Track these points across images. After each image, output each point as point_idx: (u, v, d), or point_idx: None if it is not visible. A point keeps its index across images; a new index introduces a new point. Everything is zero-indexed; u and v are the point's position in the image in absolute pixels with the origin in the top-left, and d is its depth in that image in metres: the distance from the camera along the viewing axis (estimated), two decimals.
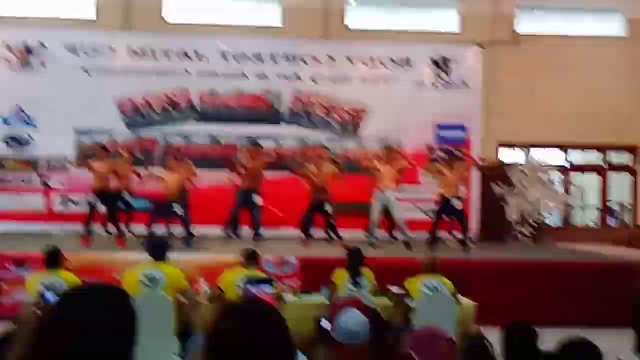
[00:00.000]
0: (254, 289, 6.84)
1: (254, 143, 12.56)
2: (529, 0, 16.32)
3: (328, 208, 12.19)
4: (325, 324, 5.05)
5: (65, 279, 6.78)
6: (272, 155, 12.89)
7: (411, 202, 14.26)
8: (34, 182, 14.42)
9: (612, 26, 16.74)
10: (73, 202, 14.18)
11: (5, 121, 14.39)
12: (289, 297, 7.95)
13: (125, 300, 1.73)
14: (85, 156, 12.51)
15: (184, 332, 6.64)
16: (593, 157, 16.91)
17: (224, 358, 1.77)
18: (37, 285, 6.73)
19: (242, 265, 7.49)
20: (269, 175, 12.79)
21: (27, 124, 14.41)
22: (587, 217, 17.39)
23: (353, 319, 2.96)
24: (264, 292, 6.80)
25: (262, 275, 7.39)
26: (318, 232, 12.70)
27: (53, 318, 1.64)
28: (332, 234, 12.47)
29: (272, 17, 15.84)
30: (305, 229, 12.41)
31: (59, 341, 1.59)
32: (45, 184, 14.29)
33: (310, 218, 12.42)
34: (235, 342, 1.77)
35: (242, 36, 15.06)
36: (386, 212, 12.50)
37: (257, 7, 16.07)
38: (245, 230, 12.67)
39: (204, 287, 7.83)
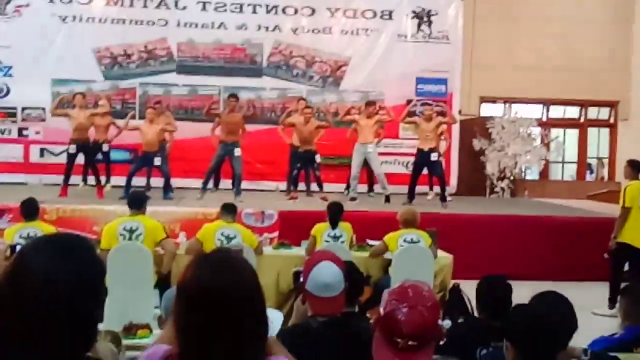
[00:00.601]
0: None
1: (231, 95, 12.42)
2: None
3: (317, 159, 12.18)
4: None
5: (43, 229, 6.76)
6: (250, 108, 12.76)
7: (391, 155, 14.31)
8: (11, 132, 14.27)
9: None
10: (52, 153, 14.07)
11: None
12: (269, 249, 8.00)
13: (90, 252, 1.68)
14: (63, 105, 12.32)
15: (163, 284, 6.66)
16: (573, 113, 16.97)
17: (193, 307, 1.81)
18: (15, 236, 6.72)
19: (219, 217, 7.51)
20: (249, 128, 12.71)
21: (3, 73, 14.19)
22: (566, 172, 17.53)
23: (326, 271, 2.97)
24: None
25: (239, 228, 7.42)
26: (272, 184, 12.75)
27: (13, 268, 1.61)
28: (315, 186, 12.45)
29: None
30: (294, 182, 12.41)
31: (14, 294, 1.56)
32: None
33: (300, 171, 12.42)
34: (204, 291, 1.81)
35: None
36: (366, 166, 12.52)
37: None
38: (226, 183, 12.65)
39: (183, 239, 7.84)
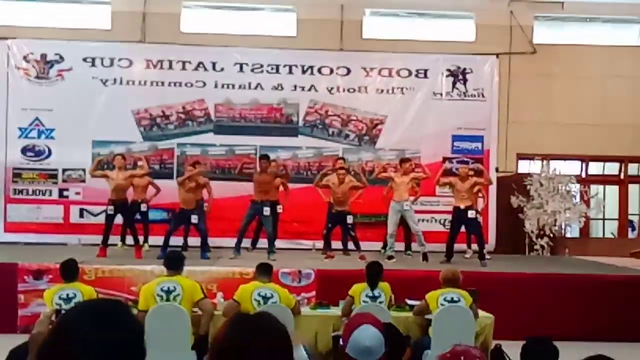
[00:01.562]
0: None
1: (263, 156, 12.56)
2: (545, 10, 16.22)
3: (349, 220, 12.13)
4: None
5: (82, 291, 6.79)
6: (281, 169, 12.87)
7: (428, 213, 14.22)
8: (52, 193, 14.50)
9: (628, 35, 16.62)
10: (91, 213, 14.23)
11: (24, 133, 14.47)
12: (306, 309, 7.93)
13: (128, 316, 1.72)
14: (102, 167, 12.56)
15: (201, 345, 6.61)
16: (612, 169, 16.75)
17: None
18: (54, 297, 6.75)
19: (255, 278, 7.48)
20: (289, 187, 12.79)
21: (45, 135, 14.49)
22: (607, 228, 17.22)
23: (367, 334, 2.91)
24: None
25: (276, 288, 7.38)
26: (336, 244, 12.68)
27: (55, 333, 1.65)
28: (353, 246, 12.38)
29: (288, 27, 15.85)
30: (327, 242, 12.37)
31: (59, 357, 1.59)
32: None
33: (331, 230, 12.38)
34: (233, 350, 1.85)
35: (258, 46, 15.07)
36: (403, 224, 12.45)
37: (273, 17, 16.08)
38: (262, 242, 12.64)
39: (220, 299, 7.81)
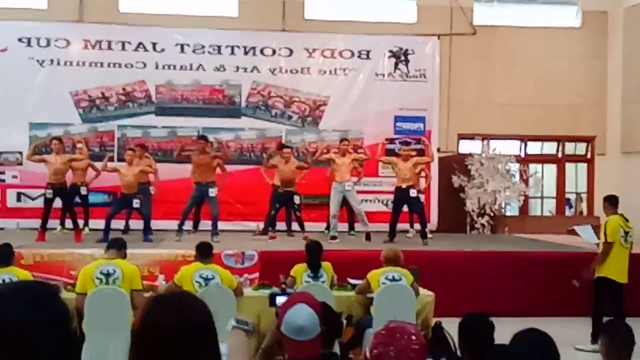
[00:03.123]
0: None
1: (200, 137, 12.49)
2: None
3: (296, 199, 12.12)
4: (279, 300, 5.05)
5: (18, 275, 6.65)
6: (223, 149, 12.77)
7: (371, 193, 14.32)
8: None
9: (567, 17, 16.92)
10: (29, 197, 13.93)
11: None
12: (249, 290, 7.92)
13: (53, 297, 1.68)
14: (40, 150, 12.31)
15: None
16: (551, 148, 17.09)
17: (139, 346, 1.84)
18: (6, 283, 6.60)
19: (196, 259, 7.44)
20: (227, 168, 12.69)
21: None
22: (545, 207, 17.59)
23: (300, 314, 2.91)
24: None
25: (217, 269, 7.35)
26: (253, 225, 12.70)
27: None
28: (296, 226, 12.39)
29: (229, 7, 15.67)
30: (273, 222, 12.34)
31: None
32: None
33: (278, 211, 12.36)
34: (148, 330, 1.83)
35: (199, 27, 14.89)
36: (345, 204, 12.52)
37: None
38: (207, 224, 12.55)
39: (162, 282, 7.75)
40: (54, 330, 1.62)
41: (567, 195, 17.41)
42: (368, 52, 15.04)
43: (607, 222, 8.90)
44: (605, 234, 8.80)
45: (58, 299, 1.69)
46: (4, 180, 14.16)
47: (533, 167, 16.79)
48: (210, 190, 11.75)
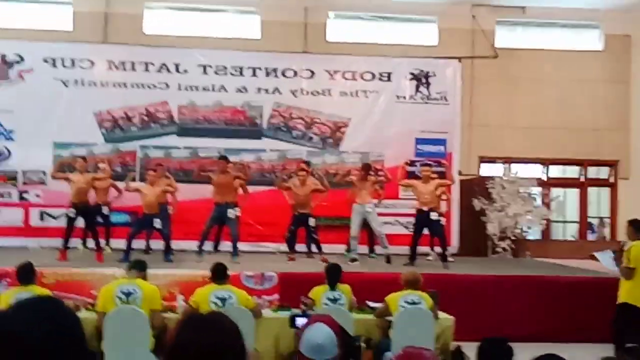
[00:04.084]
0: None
1: (221, 157, 12.55)
2: (507, 15, 16.42)
3: (312, 222, 12.13)
4: (299, 322, 5.04)
5: (38, 293, 6.69)
6: (243, 169, 12.83)
7: (392, 216, 14.27)
8: (12, 196, 14.28)
9: (589, 41, 16.89)
10: (51, 216, 14.04)
11: None
12: (268, 312, 7.92)
13: (58, 308, 1.74)
14: (63, 169, 12.45)
15: (161, 348, 6.57)
16: (573, 172, 16.98)
17: None
18: (10, 301, 6.64)
19: (212, 280, 7.45)
20: (251, 189, 12.76)
21: (5, 137, 14.27)
22: (567, 231, 17.45)
23: (319, 332, 2.91)
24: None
25: (233, 289, 7.35)
26: (300, 247, 12.66)
27: None
28: (314, 248, 12.38)
29: (252, 29, 15.83)
30: (290, 244, 12.34)
31: None
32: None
33: (295, 233, 12.35)
34: (183, 350, 1.87)
35: (222, 48, 15.03)
36: (366, 227, 12.50)
37: (237, 19, 16.06)
38: (227, 245, 12.55)
39: (181, 302, 7.77)
40: (60, 339, 1.65)
41: (589, 220, 17.27)
42: (389, 74, 15.06)
43: (631, 248, 8.77)
44: (628, 259, 8.66)
45: (64, 310, 1.72)
46: (27, 199, 14.29)
47: (555, 191, 16.68)
48: (230, 211, 11.77)
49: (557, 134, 15.99)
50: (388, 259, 11.96)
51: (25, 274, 7.03)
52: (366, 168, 12.51)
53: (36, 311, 1.67)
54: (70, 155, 13.51)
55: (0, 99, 14.22)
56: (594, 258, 10.77)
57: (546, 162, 16.57)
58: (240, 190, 12.39)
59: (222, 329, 1.93)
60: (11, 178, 14.27)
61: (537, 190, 15.60)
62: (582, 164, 16.78)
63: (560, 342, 9.07)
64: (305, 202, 12.14)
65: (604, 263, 9.48)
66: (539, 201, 15.52)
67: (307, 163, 13.15)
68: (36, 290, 6.87)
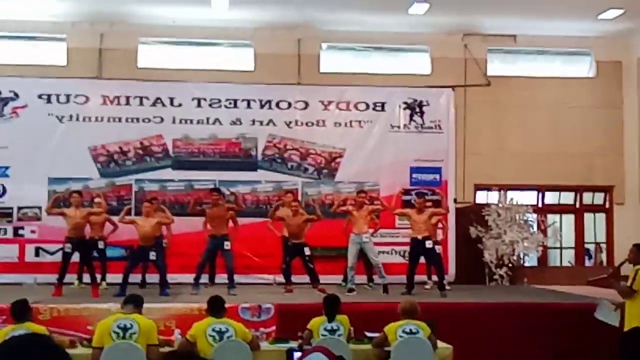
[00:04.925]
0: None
1: (214, 189, 12.59)
2: (499, 44, 16.56)
3: (307, 251, 12.11)
4: (296, 357, 5.00)
5: (33, 330, 6.64)
6: (237, 200, 12.87)
7: (388, 245, 14.25)
8: (7, 232, 14.23)
9: (581, 68, 17.04)
10: (47, 252, 13.99)
11: None
12: (265, 344, 7.86)
13: (48, 347, 1.81)
14: (59, 204, 12.45)
15: None
16: (568, 198, 17.00)
17: None
18: (5, 338, 6.59)
19: (209, 313, 7.40)
20: (243, 221, 12.74)
21: (0, 173, 14.25)
22: (564, 257, 17.43)
23: None
24: None
25: (231, 322, 7.30)
26: (299, 278, 12.60)
27: None
28: (309, 279, 12.35)
29: (245, 61, 15.93)
30: (287, 275, 12.30)
31: None
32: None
33: (290, 264, 12.33)
34: None
35: (215, 81, 15.09)
36: (363, 256, 12.47)
37: (230, 52, 16.17)
38: (223, 277, 12.50)
39: (178, 336, 7.71)
40: None
41: (586, 246, 17.26)
42: (383, 104, 15.13)
43: (639, 270, 8.55)
44: (634, 279, 8.44)
45: (51, 346, 1.78)
46: (22, 235, 14.23)
47: (551, 217, 16.69)
48: (226, 243, 11.79)
49: (551, 160, 16.06)
50: (385, 289, 11.91)
51: (20, 311, 6.99)
52: (360, 194, 12.56)
53: (23, 348, 1.67)
54: (66, 190, 13.48)
55: None
56: (593, 283, 10.73)
57: (541, 189, 16.60)
58: (231, 223, 12.39)
59: None
60: (6, 215, 14.23)
61: (532, 216, 15.61)
62: (577, 190, 16.82)
63: None
64: (299, 232, 12.16)
65: (605, 319, 9.22)
66: (535, 228, 15.52)
67: (291, 193, 13.31)
68: (31, 327, 6.82)
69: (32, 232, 14.21)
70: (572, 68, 17.11)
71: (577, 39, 16.49)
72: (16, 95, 14.37)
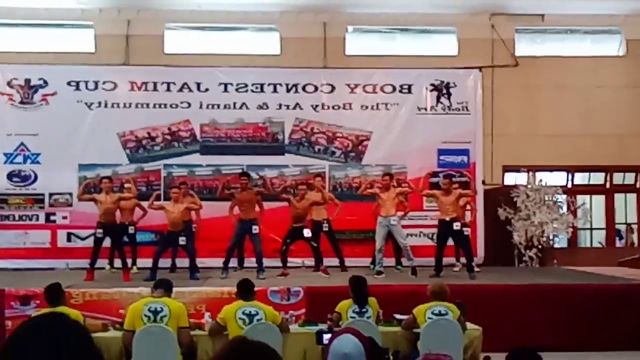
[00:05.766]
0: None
1: (242, 174, 12.65)
2: (526, 23, 16.37)
3: (306, 233, 12.13)
4: (326, 338, 5.02)
5: (68, 314, 6.74)
6: (265, 184, 12.96)
7: (416, 227, 14.23)
8: (39, 218, 14.43)
9: (610, 46, 16.79)
10: (79, 237, 14.17)
11: (9, 158, 14.42)
12: (295, 327, 7.92)
13: (69, 326, 1.87)
14: (89, 190, 12.62)
15: None
16: (598, 179, 16.83)
17: None
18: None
19: (238, 297, 7.47)
20: (271, 205, 12.82)
21: (31, 160, 14.45)
22: (594, 238, 17.28)
23: (346, 342, 2.92)
24: None
25: (260, 305, 7.36)
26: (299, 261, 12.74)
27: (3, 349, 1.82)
28: (314, 259, 12.44)
29: (271, 45, 15.91)
30: (284, 259, 12.32)
31: None
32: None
33: (289, 246, 12.35)
34: None
35: (242, 66, 15.12)
36: (391, 239, 12.46)
37: (256, 36, 16.15)
38: (251, 261, 12.57)
39: (208, 319, 7.79)
40: (67, 353, 1.77)
41: (617, 226, 17.09)
42: (410, 86, 15.06)
43: None
44: None
45: (71, 325, 1.86)
46: (54, 221, 14.43)
47: (581, 198, 16.53)
48: (254, 227, 11.86)
49: (581, 141, 15.88)
50: (414, 271, 11.92)
51: (54, 295, 7.11)
52: (386, 175, 12.55)
53: (43, 327, 1.80)
54: (96, 176, 13.63)
55: (26, 123, 14.42)
56: (625, 264, 10.65)
57: (571, 170, 16.44)
58: (257, 207, 12.45)
59: (268, 357, 1.96)
60: (38, 201, 14.43)
61: (562, 198, 15.48)
62: (607, 170, 16.62)
63: (590, 351, 8.99)
64: (303, 215, 12.22)
65: None
66: (564, 209, 15.38)
67: (320, 176, 13.40)
68: (65, 311, 6.92)
69: (64, 218, 14.40)
70: (601, 47, 16.84)
71: (606, 17, 16.24)
72: (45, 82, 14.54)
